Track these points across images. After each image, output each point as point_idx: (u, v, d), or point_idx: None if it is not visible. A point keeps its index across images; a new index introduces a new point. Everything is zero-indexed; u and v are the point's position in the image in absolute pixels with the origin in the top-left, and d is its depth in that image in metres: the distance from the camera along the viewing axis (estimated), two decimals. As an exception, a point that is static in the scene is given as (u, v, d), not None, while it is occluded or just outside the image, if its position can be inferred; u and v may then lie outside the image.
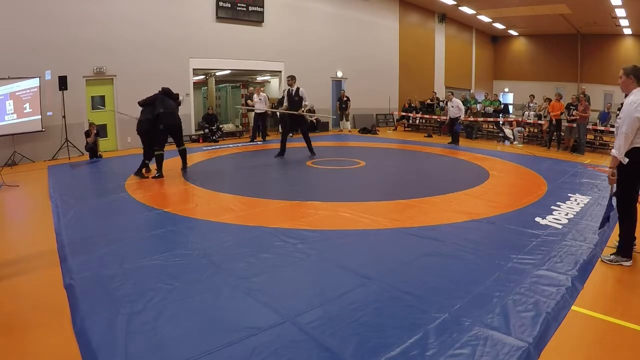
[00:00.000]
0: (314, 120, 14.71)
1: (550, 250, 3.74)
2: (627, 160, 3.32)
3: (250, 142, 11.87)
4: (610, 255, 3.60)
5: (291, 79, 8.86)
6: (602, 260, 3.57)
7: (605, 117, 11.68)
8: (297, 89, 8.74)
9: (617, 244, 3.65)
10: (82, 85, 9.85)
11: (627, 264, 3.48)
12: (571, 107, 10.96)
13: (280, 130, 12.53)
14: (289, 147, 9.10)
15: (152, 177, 6.91)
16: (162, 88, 7.28)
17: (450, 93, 12.15)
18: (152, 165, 7.16)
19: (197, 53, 11.91)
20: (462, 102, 12.88)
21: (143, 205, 5.33)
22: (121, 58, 10.25)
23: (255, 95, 12.07)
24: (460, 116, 11.81)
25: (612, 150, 3.39)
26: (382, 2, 17.37)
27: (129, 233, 4.24)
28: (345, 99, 14.97)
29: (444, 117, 14.37)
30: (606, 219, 3.76)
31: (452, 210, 5.03)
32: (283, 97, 9.22)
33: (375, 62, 17.08)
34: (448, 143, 11.74)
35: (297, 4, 14.28)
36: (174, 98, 7.34)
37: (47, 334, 2.53)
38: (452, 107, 11.75)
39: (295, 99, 8.71)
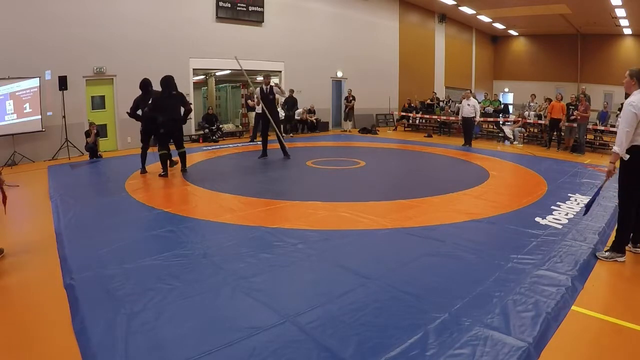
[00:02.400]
0: (314, 120, 14.71)
1: (550, 250, 3.74)
2: (627, 156, 3.47)
3: (250, 142, 11.87)
4: (605, 252, 3.69)
5: (267, 77, 8.67)
6: (597, 257, 3.65)
7: (604, 116, 11.66)
8: (271, 87, 8.54)
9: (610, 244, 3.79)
10: (82, 85, 9.85)
11: (621, 259, 3.62)
12: (570, 107, 10.96)
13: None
14: (289, 147, 9.09)
15: (159, 175, 6.98)
16: (162, 81, 7.08)
17: (469, 91, 11.88)
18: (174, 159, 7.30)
19: (197, 53, 11.91)
20: (460, 102, 12.76)
21: (143, 205, 5.33)
22: (121, 58, 10.24)
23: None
24: (475, 117, 11.38)
25: (614, 147, 3.52)
26: (382, 2, 17.37)
27: (129, 233, 4.24)
28: (351, 98, 14.99)
29: (445, 118, 14.41)
30: (589, 206, 4.07)
31: (452, 210, 5.03)
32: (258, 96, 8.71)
33: (375, 62, 17.08)
34: (462, 145, 11.32)
35: (297, 4, 14.28)
36: (174, 92, 7.00)
37: (47, 334, 2.53)
38: (469, 105, 11.27)
39: (270, 98, 8.50)
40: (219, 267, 3.37)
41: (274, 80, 8.49)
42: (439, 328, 2.48)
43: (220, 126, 12.79)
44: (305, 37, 14.49)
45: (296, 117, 13.81)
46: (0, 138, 8.65)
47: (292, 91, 13.51)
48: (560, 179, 6.97)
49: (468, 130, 11.57)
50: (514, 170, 8.21)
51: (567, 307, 2.79)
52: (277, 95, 8.62)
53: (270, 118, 8.42)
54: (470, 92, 11.85)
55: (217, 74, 14.24)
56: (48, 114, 9.34)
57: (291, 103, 13.47)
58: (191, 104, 7.03)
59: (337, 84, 16.30)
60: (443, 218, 4.71)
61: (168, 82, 7.04)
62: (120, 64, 10.24)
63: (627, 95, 3.70)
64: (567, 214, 4.88)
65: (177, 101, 7.08)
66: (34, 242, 4.20)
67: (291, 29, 14.05)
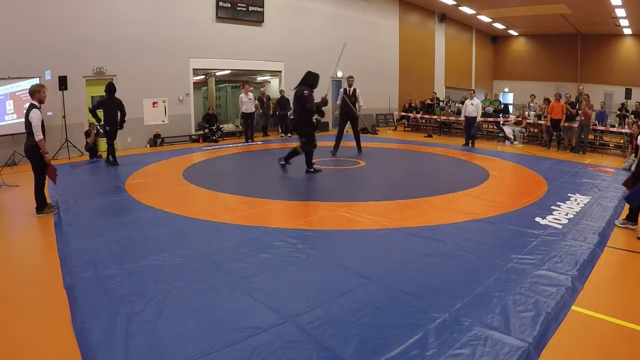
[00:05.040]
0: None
1: (550, 250, 3.74)
2: None
3: (245, 142, 11.86)
4: (622, 220, 4.52)
5: (351, 78, 9.25)
6: (616, 225, 4.49)
7: (602, 116, 11.63)
8: (354, 90, 9.07)
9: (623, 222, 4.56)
10: (82, 85, 9.85)
11: (633, 227, 4.38)
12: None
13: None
14: (287, 146, 9.07)
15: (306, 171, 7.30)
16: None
17: (472, 91, 11.83)
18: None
19: (197, 53, 11.90)
20: (461, 102, 12.68)
21: (143, 205, 5.33)
22: (121, 58, 10.24)
23: (243, 95, 11.92)
24: (476, 117, 11.32)
25: None
26: (382, 2, 17.36)
27: (128, 233, 4.24)
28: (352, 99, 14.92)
29: (445, 118, 14.40)
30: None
31: (452, 210, 5.03)
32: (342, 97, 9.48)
33: (375, 62, 17.06)
34: (462, 145, 11.35)
35: (297, 4, 14.27)
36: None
37: (47, 334, 2.53)
38: (472, 104, 11.23)
39: (352, 99, 9.03)
40: (219, 267, 3.37)
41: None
42: (439, 328, 2.48)
43: (220, 126, 12.78)
44: (305, 37, 14.47)
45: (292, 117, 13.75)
46: (0, 138, 8.64)
47: (282, 92, 13.50)
48: (560, 179, 6.96)
49: (471, 129, 11.51)
50: (514, 170, 8.22)
51: (567, 307, 2.79)
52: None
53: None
54: (474, 92, 11.79)
55: (217, 74, 14.23)
56: (48, 114, 9.31)
57: (283, 104, 13.43)
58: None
59: (337, 84, 16.28)
60: (443, 218, 4.71)
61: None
62: (120, 64, 10.24)
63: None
64: (567, 214, 4.88)
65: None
66: (34, 243, 4.20)
67: (291, 29, 14.03)
